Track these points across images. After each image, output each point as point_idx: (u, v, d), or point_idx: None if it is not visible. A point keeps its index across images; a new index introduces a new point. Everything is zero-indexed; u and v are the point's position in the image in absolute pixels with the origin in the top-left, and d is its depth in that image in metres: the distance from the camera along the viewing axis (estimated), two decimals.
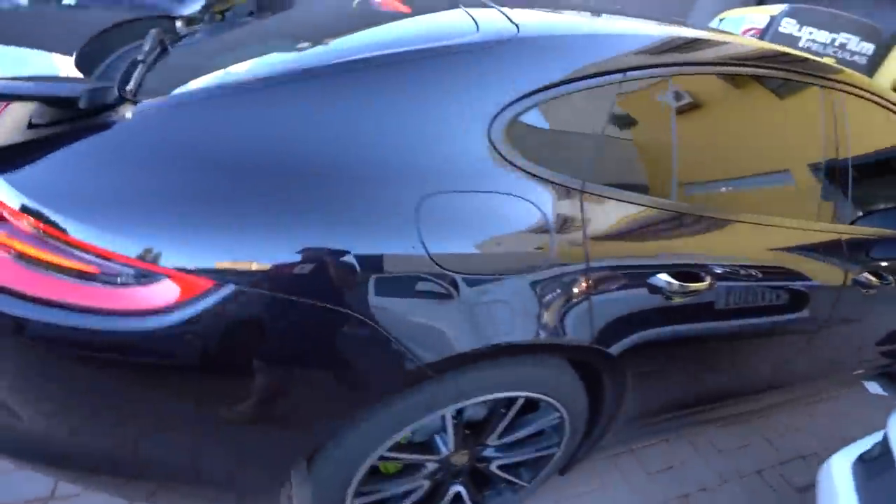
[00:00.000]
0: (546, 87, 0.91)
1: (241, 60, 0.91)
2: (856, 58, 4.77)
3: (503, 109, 0.87)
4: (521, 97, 0.89)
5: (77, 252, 0.66)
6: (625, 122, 1.01)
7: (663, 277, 1.02)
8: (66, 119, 0.75)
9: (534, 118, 0.90)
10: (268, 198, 0.71)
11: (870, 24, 4.72)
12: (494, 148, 0.86)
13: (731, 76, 1.15)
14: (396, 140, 0.80)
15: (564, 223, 0.92)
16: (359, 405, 0.82)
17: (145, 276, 0.67)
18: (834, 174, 1.39)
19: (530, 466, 1.25)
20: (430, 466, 1.09)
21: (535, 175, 0.89)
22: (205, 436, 0.78)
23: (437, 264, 0.79)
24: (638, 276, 1.01)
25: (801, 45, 4.85)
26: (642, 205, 1.02)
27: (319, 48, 0.95)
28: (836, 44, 4.75)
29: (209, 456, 0.82)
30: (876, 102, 1.48)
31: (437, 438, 1.07)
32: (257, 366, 0.73)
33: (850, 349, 1.74)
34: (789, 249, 1.29)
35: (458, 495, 1.20)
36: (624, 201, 0.99)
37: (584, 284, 0.93)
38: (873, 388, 2.28)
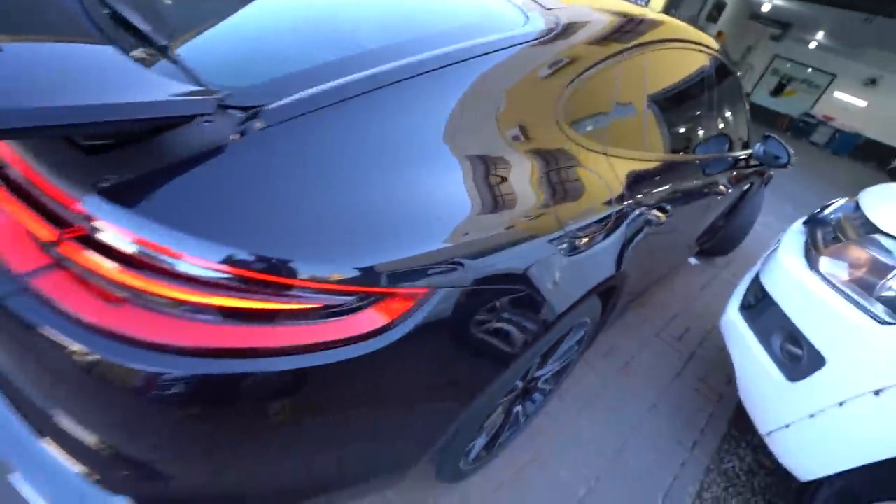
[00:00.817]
0: (584, 71, 1.08)
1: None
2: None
3: (561, 93, 1.02)
4: (572, 80, 1.05)
5: (295, 292, 0.62)
6: (618, 93, 1.25)
7: (654, 213, 1.37)
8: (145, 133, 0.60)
9: (576, 98, 1.07)
10: (453, 206, 0.76)
11: None
12: (560, 128, 1.02)
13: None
14: (517, 126, 0.90)
15: (610, 181, 1.15)
16: (513, 358, 0.96)
17: (367, 299, 0.67)
18: (687, 113, 1.89)
19: (558, 373, 1.57)
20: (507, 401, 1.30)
21: (582, 145, 1.09)
22: (421, 421, 0.84)
23: (563, 229, 0.95)
24: (643, 211, 1.32)
25: None
26: (635, 159, 1.32)
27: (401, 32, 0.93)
28: None
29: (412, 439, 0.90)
30: (695, 48, 1.81)
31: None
32: (469, 347, 0.82)
33: (696, 236, 2.50)
34: (678, 175, 1.77)
35: (515, 414, 1.45)
36: (624, 158, 1.27)
37: (626, 223, 1.21)
38: (693, 261, 3.28)
